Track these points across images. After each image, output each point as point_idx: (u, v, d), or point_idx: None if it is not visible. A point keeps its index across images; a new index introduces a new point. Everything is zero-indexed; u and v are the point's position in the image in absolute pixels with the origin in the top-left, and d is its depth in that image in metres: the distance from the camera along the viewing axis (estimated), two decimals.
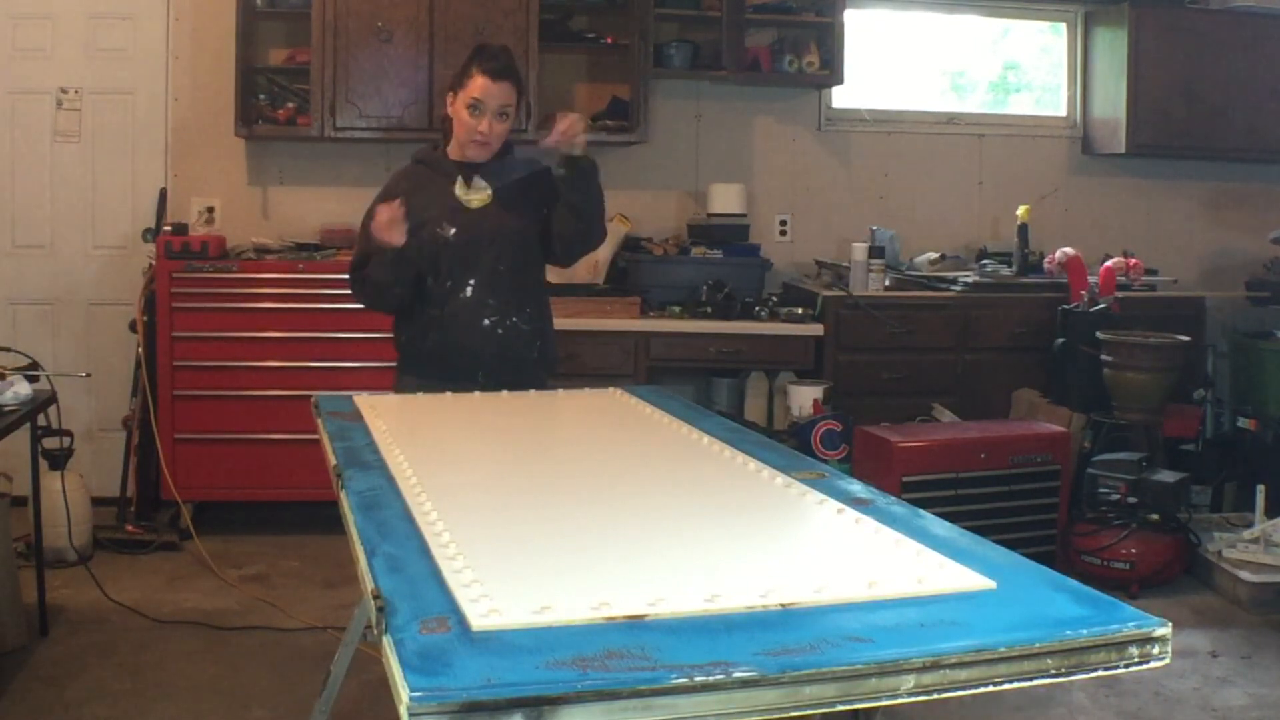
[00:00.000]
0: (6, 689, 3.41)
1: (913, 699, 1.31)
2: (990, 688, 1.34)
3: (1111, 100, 5.79)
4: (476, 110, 3.06)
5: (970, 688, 1.34)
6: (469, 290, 3.09)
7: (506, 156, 3.20)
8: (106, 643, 3.78)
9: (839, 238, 5.74)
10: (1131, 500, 4.49)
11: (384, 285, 3.07)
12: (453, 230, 3.08)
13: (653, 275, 5.31)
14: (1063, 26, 6.09)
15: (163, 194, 5.28)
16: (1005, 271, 5.49)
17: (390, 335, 3.26)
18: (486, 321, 3.09)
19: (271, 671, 3.62)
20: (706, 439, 2.41)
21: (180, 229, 4.96)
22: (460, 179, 3.12)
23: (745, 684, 1.25)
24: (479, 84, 3.05)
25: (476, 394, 2.90)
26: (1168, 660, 1.41)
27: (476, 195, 3.12)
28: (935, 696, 1.32)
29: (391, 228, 2.95)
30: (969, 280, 5.34)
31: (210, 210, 5.38)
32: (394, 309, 3.17)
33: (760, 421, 5.15)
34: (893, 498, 1.99)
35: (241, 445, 4.87)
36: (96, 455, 5.20)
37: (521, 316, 3.13)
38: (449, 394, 2.89)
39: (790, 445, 3.53)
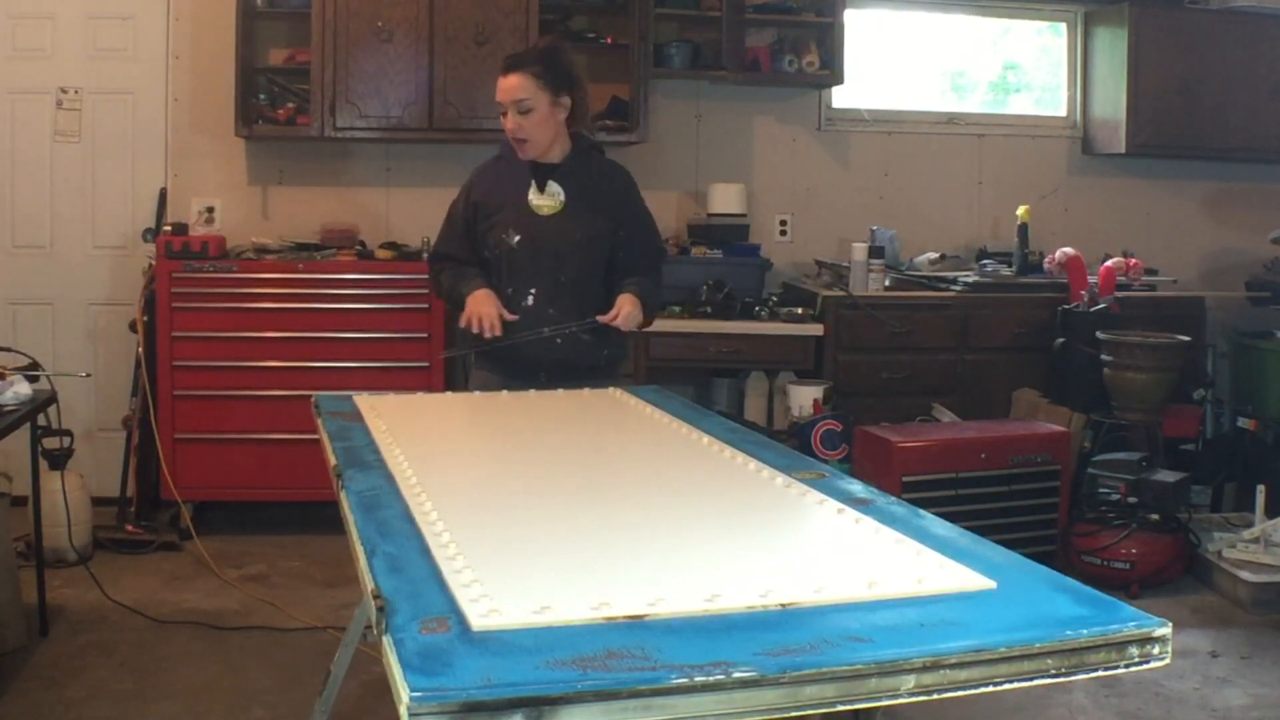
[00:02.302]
0: (6, 689, 3.41)
1: (913, 699, 1.31)
2: (990, 688, 1.34)
3: (1111, 100, 5.78)
4: (502, 111, 3.11)
5: (970, 688, 1.34)
6: (530, 300, 3.10)
7: (591, 155, 3.20)
8: (106, 643, 3.78)
9: (839, 238, 5.73)
10: (1131, 500, 4.49)
11: (442, 296, 3.25)
12: (517, 238, 3.08)
13: None
14: (1063, 26, 6.08)
15: (163, 194, 5.28)
16: (1005, 271, 5.48)
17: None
18: (547, 331, 3.08)
19: (271, 671, 3.62)
20: (706, 439, 2.41)
21: (180, 229, 4.96)
22: (534, 183, 3.13)
23: (745, 684, 1.25)
24: (498, 85, 3.10)
25: (476, 393, 2.91)
26: (1168, 660, 1.41)
27: (548, 202, 3.12)
28: (935, 696, 1.32)
29: (484, 321, 3.01)
30: (969, 280, 5.33)
31: (210, 210, 5.38)
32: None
33: (760, 421, 5.15)
34: (893, 498, 1.99)
35: (241, 445, 4.87)
36: (96, 455, 5.19)
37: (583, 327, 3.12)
38: (448, 393, 2.90)
39: (790, 445, 3.53)
